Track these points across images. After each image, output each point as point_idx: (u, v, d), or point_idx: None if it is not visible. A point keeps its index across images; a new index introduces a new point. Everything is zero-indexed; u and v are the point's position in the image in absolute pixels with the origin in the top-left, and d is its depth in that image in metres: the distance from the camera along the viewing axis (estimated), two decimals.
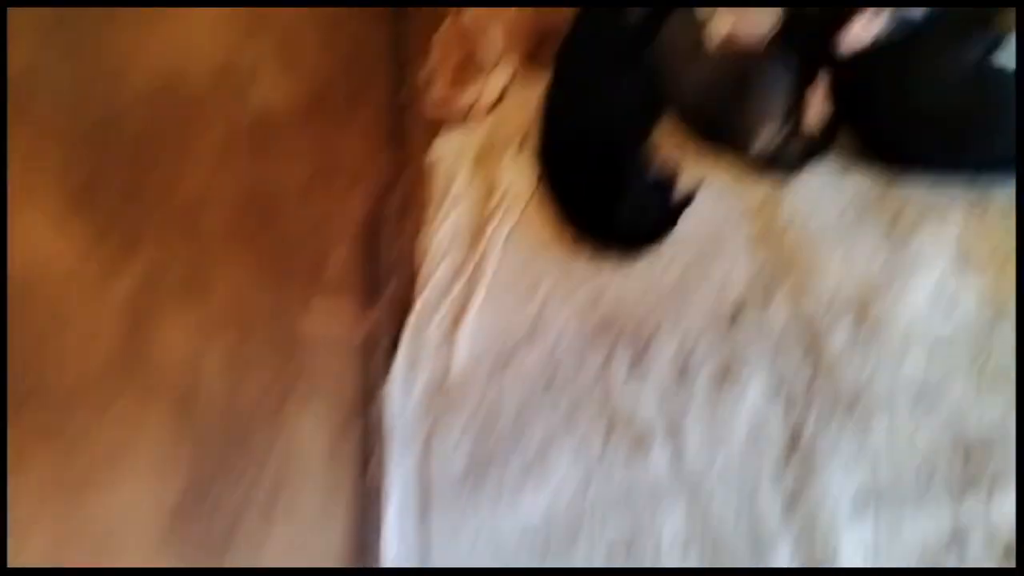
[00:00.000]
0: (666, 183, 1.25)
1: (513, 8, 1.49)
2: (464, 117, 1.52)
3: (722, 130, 1.26)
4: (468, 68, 1.50)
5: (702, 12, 1.32)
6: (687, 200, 1.24)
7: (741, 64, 1.27)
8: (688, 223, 1.22)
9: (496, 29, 1.50)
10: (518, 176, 1.37)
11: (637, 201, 1.23)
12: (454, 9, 1.54)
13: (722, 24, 1.31)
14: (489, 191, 1.40)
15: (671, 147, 1.29)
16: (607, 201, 1.24)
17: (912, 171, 1.12)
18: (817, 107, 1.21)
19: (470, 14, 1.51)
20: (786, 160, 1.22)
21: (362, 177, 1.48)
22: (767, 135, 1.21)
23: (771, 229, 1.18)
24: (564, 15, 1.39)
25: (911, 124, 1.12)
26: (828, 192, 1.17)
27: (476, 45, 1.51)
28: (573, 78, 1.35)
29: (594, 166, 1.28)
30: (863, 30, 1.14)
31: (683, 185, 1.25)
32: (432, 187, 1.48)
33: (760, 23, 1.28)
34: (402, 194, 1.55)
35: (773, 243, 1.17)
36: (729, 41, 1.30)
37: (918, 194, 1.11)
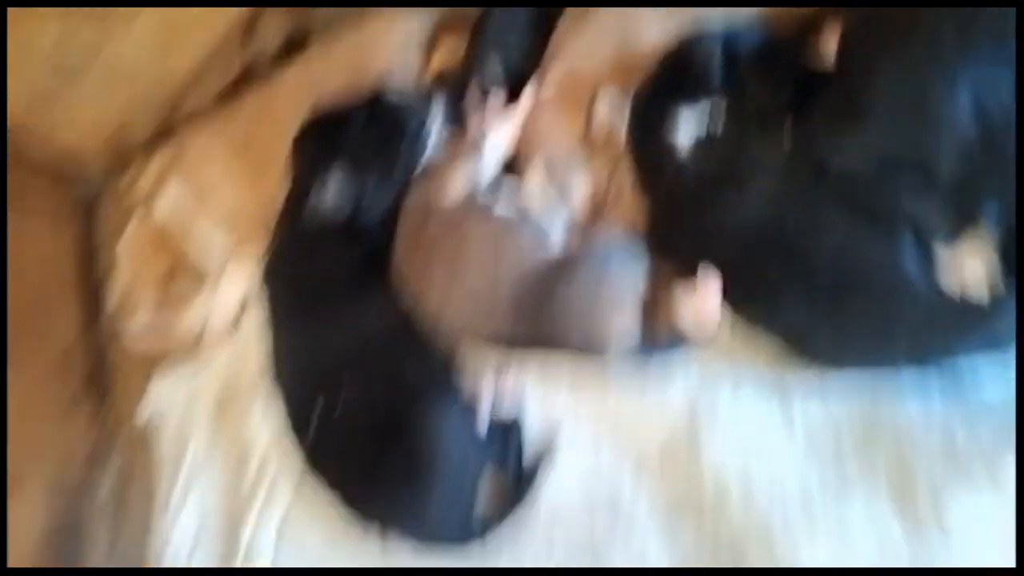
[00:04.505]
0: (502, 437, 0.86)
1: (228, 194, 1.13)
2: (188, 349, 1.11)
3: (558, 342, 0.85)
4: (181, 279, 1.11)
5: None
6: (541, 461, 0.86)
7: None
8: (554, 490, 0.85)
9: (209, 223, 1.12)
10: (278, 436, 0.97)
11: (454, 480, 0.84)
12: (142, 205, 1.17)
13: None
14: (241, 459, 1.02)
15: (489, 370, 0.89)
16: (408, 489, 0.84)
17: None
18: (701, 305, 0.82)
19: (169, 206, 1.14)
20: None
21: (45, 463, 1.06)
22: (623, 333, 0.82)
23: (692, 493, 0.82)
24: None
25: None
26: (768, 426, 0.81)
27: (186, 246, 1.12)
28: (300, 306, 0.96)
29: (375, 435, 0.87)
30: None
31: (531, 436, 0.87)
32: (157, 459, 1.08)
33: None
34: (114, 476, 1.12)
35: (705, 520, 0.80)
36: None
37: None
